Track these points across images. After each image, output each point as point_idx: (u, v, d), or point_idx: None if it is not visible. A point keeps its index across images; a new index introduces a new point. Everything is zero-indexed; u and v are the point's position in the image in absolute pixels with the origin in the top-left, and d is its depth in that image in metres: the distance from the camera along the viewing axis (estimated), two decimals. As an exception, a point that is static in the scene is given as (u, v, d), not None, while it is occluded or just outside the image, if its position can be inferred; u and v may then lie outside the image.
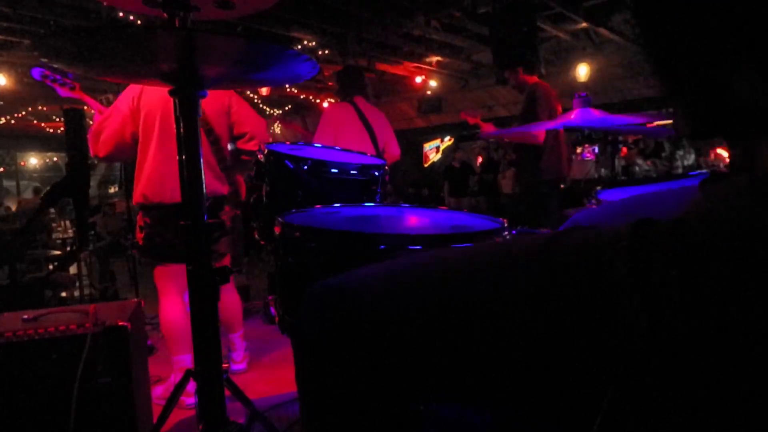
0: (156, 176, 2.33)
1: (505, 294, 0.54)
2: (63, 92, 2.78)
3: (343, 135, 3.37)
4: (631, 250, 0.47)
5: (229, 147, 2.59)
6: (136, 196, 2.39)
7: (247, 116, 2.57)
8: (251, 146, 2.56)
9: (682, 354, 0.44)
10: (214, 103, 2.44)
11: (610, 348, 0.47)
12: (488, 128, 3.73)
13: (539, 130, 3.41)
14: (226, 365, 1.38)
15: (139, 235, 2.43)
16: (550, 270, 0.52)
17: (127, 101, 2.37)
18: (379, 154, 3.52)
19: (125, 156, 2.47)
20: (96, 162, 2.63)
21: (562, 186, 3.74)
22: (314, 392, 0.70)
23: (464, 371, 0.58)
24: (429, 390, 0.63)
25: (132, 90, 2.38)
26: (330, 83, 9.21)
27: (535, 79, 3.75)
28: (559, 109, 3.61)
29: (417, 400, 0.65)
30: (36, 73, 2.76)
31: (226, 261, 2.56)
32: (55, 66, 2.33)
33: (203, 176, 2.34)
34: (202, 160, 1.29)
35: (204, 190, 1.31)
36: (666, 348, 0.44)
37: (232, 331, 2.73)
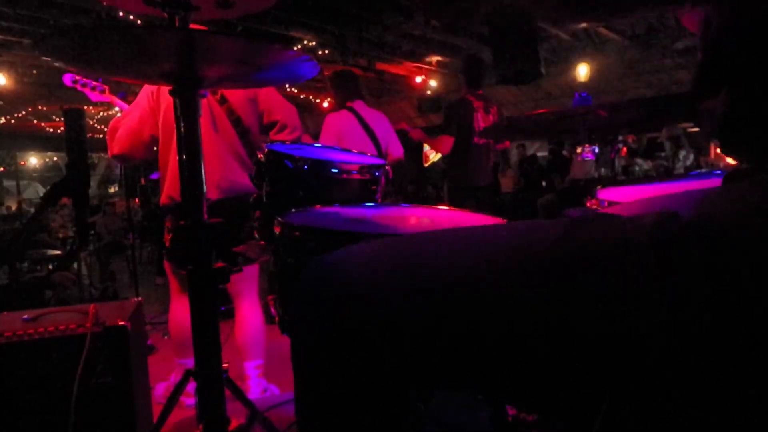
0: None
1: (519, 286, 0.52)
2: (94, 96, 2.83)
3: (346, 143, 3.38)
4: (655, 243, 0.46)
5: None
6: (162, 198, 2.26)
7: (276, 103, 2.33)
8: (284, 136, 2.32)
9: (702, 349, 0.43)
10: (239, 91, 2.22)
11: (626, 340, 0.46)
12: (415, 133, 4.14)
13: (446, 143, 3.89)
14: (226, 365, 1.38)
15: (167, 237, 2.28)
16: (567, 266, 0.50)
17: (146, 97, 2.23)
18: (382, 157, 3.53)
19: (138, 155, 2.31)
20: (96, 162, 2.62)
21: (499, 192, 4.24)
22: (306, 375, 0.68)
23: (463, 363, 0.56)
24: (425, 378, 0.61)
25: (150, 86, 2.23)
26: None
27: (464, 93, 4.00)
28: (489, 119, 3.92)
29: (414, 385, 0.63)
30: (67, 79, 2.84)
31: (255, 270, 2.36)
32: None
33: (232, 172, 2.22)
34: (203, 161, 1.29)
35: (204, 190, 1.31)
36: (685, 342, 0.43)
37: (245, 358, 2.34)
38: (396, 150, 3.68)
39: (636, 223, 0.50)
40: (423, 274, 0.58)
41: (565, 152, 9.30)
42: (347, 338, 0.60)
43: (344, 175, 1.49)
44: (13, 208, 11.28)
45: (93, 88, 2.80)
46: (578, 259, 0.50)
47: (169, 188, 2.23)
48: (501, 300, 0.53)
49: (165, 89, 2.19)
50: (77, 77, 2.80)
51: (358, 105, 3.54)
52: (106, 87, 2.84)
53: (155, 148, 2.30)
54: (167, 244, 2.29)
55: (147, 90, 2.25)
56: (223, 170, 2.21)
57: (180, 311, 2.35)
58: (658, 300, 0.44)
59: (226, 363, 1.38)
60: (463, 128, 3.83)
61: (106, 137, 2.32)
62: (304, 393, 0.69)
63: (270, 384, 2.39)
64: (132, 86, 4.98)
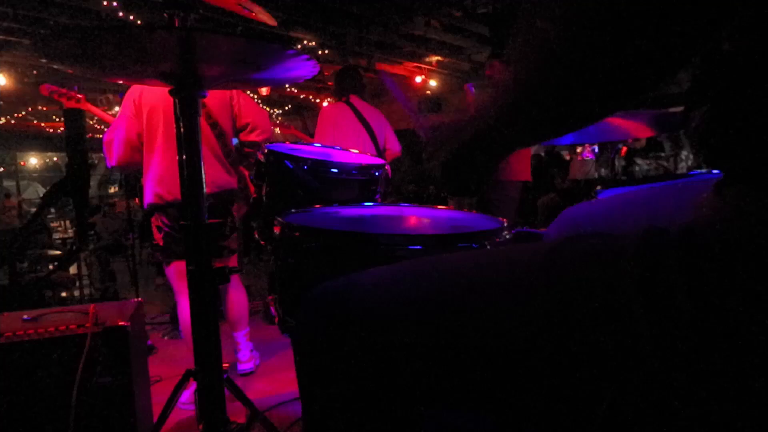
0: (167, 175, 2.32)
1: (508, 307, 0.53)
2: (69, 105, 2.92)
3: (342, 135, 3.37)
4: (641, 265, 0.46)
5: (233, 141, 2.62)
6: (148, 197, 2.37)
7: (248, 108, 2.58)
8: (254, 137, 2.57)
9: (690, 366, 0.43)
10: (216, 97, 2.44)
11: (615, 359, 0.46)
12: None
13: None
14: (226, 365, 1.38)
15: (158, 236, 2.42)
16: (555, 284, 0.51)
17: (129, 104, 2.37)
18: (380, 152, 3.52)
19: (136, 160, 2.43)
20: (96, 162, 2.79)
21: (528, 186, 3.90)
22: (311, 395, 0.70)
23: (464, 381, 0.57)
24: (428, 398, 0.62)
25: (132, 92, 2.38)
26: (330, 83, 9.22)
27: None
28: None
29: (415, 406, 0.65)
30: (44, 89, 2.93)
31: (234, 259, 2.56)
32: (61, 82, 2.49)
33: (213, 171, 2.40)
34: (202, 160, 1.29)
35: (204, 189, 1.31)
36: (673, 359, 0.44)
37: (236, 329, 2.72)
38: (394, 146, 3.67)
39: (619, 244, 0.50)
40: (423, 296, 0.60)
41: (565, 153, 9.30)
42: (353, 354, 0.62)
43: (344, 175, 1.49)
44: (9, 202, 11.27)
45: (69, 98, 2.90)
46: (567, 279, 0.51)
47: (156, 186, 2.34)
48: (496, 319, 0.54)
49: (148, 93, 2.33)
50: (54, 87, 2.91)
51: (354, 99, 3.54)
52: (81, 96, 2.93)
53: None
54: (160, 242, 2.42)
55: (129, 98, 2.38)
56: (211, 166, 2.36)
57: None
58: (647, 318, 0.44)
59: (226, 363, 1.38)
60: None
61: (104, 151, 2.46)
62: (310, 403, 0.71)
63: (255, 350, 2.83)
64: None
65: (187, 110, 1.24)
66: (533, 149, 10.14)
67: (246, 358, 2.72)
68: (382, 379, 0.61)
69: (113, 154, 2.39)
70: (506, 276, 0.57)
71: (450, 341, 0.56)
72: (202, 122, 2.35)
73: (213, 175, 2.39)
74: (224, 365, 1.36)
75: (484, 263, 0.62)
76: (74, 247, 4.73)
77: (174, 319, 3.56)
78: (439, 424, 0.72)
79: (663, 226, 0.48)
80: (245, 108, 2.56)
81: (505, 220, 1.15)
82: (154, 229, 2.43)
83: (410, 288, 0.62)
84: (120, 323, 1.55)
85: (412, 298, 0.61)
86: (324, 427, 0.68)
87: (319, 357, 0.66)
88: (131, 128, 2.36)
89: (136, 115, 2.36)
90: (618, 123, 1.73)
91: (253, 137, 2.57)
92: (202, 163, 1.29)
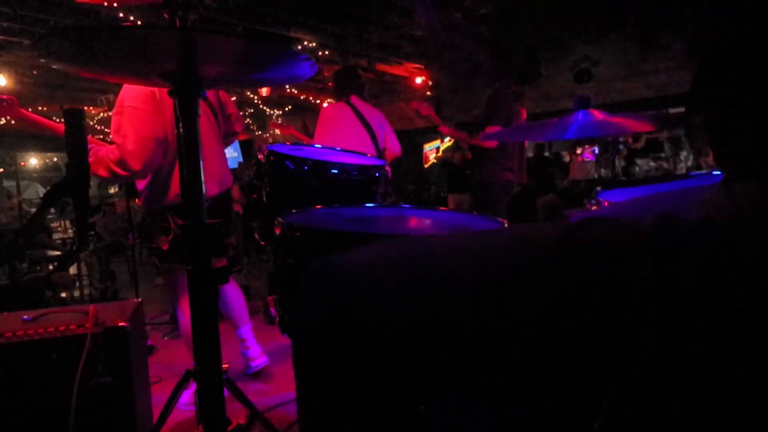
0: None
1: (517, 289, 0.52)
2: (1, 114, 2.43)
3: (342, 135, 3.37)
4: (655, 248, 0.46)
5: None
6: (171, 196, 2.19)
7: (229, 98, 2.62)
8: (238, 127, 2.63)
9: (701, 356, 0.43)
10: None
11: (623, 344, 0.46)
12: (445, 129, 3.95)
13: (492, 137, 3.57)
14: (226, 365, 1.38)
15: (163, 239, 2.22)
16: (565, 266, 0.50)
17: (146, 98, 2.09)
18: (380, 153, 3.52)
19: (161, 159, 2.13)
20: (132, 176, 2.24)
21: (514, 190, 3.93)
22: (308, 378, 0.68)
23: (465, 366, 0.56)
24: (427, 381, 0.61)
25: (145, 89, 2.09)
26: (330, 84, 9.21)
27: (502, 86, 3.82)
28: (523, 114, 3.78)
29: (414, 391, 0.63)
30: None
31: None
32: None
33: (221, 168, 2.37)
34: (217, 157, 1.29)
35: (204, 190, 1.31)
36: (683, 348, 0.43)
37: (240, 326, 2.65)
38: (394, 146, 3.67)
39: (635, 227, 0.49)
40: (426, 278, 0.58)
41: (565, 154, 9.31)
42: (349, 341, 0.60)
43: (344, 176, 1.49)
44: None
45: None
46: (576, 262, 0.50)
47: (178, 187, 2.20)
48: (502, 302, 0.53)
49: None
50: None
51: (354, 99, 3.55)
52: (13, 99, 2.48)
53: None
54: (163, 246, 2.23)
55: (143, 91, 2.10)
56: (221, 165, 2.39)
57: None
58: (656, 305, 0.44)
59: (226, 363, 1.38)
60: (510, 120, 3.61)
61: (117, 158, 2.07)
62: (306, 394, 0.70)
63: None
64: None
65: (186, 111, 1.24)
66: (529, 151, 10.15)
67: (257, 353, 2.64)
68: (379, 358, 0.59)
69: (134, 156, 2.05)
70: (516, 257, 0.55)
71: (451, 322, 0.55)
72: (210, 114, 2.35)
73: (221, 173, 2.37)
74: (224, 365, 1.36)
75: (492, 243, 0.61)
76: (74, 247, 4.73)
77: (174, 319, 3.56)
78: (438, 419, 0.71)
79: (678, 215, 0.48)
80: (228, 98, 2.61)
81: (505, 221, 1.15)
82: (159, 230, 2.23)
83: (410, 267, 0.60)
84: (120, 323, 1.54)
85: (413, 277, 0.59)
86: (322, 418, 0.66)
87: (314, 339, 0.64)
88: (157, 124, 2.09)
89: (157, 109, 2.10)
90: (618, 120, 1.74)
91: (237, 127, 2.64)
92: (213, 160, 1.27)
